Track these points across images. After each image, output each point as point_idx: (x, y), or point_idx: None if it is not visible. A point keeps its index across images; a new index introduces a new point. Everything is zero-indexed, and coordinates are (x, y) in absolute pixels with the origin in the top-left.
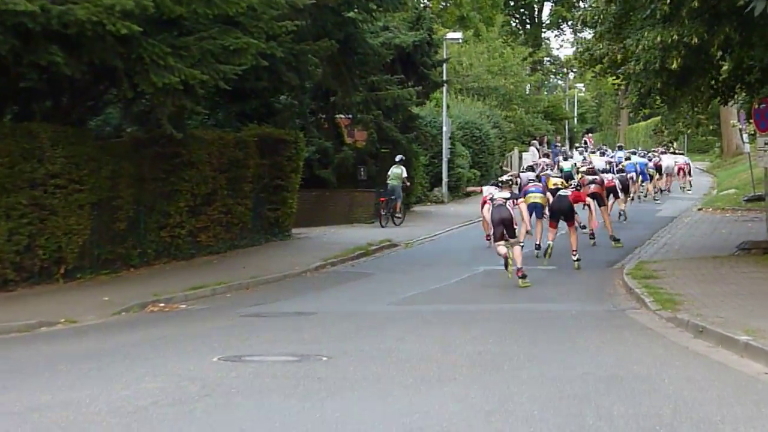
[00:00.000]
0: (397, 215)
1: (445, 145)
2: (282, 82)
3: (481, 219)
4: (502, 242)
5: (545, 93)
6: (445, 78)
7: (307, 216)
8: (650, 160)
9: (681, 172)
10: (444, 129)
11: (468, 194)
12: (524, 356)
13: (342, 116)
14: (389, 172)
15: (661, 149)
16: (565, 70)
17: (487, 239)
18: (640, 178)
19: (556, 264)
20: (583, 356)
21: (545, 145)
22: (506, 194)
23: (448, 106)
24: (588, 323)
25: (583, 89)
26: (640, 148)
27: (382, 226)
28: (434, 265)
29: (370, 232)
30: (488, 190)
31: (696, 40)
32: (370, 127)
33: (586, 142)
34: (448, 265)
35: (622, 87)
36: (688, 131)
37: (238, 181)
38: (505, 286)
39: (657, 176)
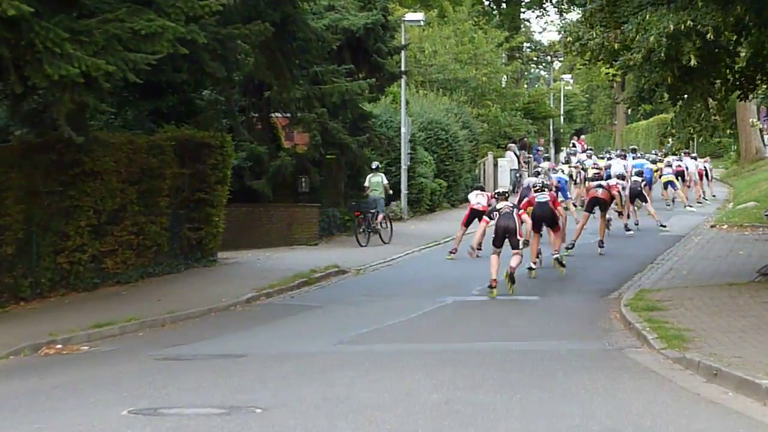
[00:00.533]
0: (381, 227)
1: (404, 149)
2: (205, 74)
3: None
4: (500, 250)
5: (525, 86)
6: (403, 68)
7: (237, 237)
8: (669, 165)
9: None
10: (403, 130)
11: (432, 209)
12: (502, 407)
13: (279, 115)
14: (367, 182)
15: (667, 156)
16: (549, 58)
17: (468, 254)
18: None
19: (539, 292)
20: (573, 406)
21: (525, 149)
22: (511, 203)
23: (407, 103)
24: (579, 365)
25: (571, 81)
26: (640, 152)
27: (362, 245)
28: (392, 295)
29: (313, 256)
30: (474, 198)
31: (711, 30)
32: (312, 129)
33: (575, 146)
34: (408, 295)
35: (618, 79)
36: (701, 138)
37: (152, 194)
38: (479, 320)
39: (682, 183)
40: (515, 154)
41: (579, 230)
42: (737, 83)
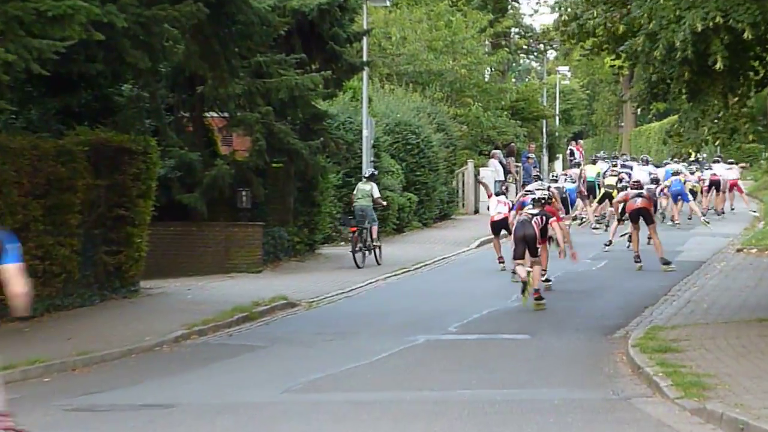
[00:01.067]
0: (375, 244)
1: (367, 157)
2: (125, 65)
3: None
4: (522, 261)
5: (513, 81)
6: (366, 58)
7: (164, 262)
8: (692, 173)
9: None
10: (365, 133)
11: (400, 230)
12: None
13: (214, 115)
14: (356, 190)
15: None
16: (541, 46)
17: (500, 261)
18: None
19: (530, 328)
20: None
21: (513, 156)
22: (536, 210)
23: (370, 100)
24: (578, 418)
25: (569, 75)
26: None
27: (359, 267)
28: (351, 333)
29: (257, 286)
30: (494, 208)
31: (748, 28)
32: (255, 131)
33: (573, 153)
34: (371, 333)
35: (626, 72)
36: (717, 142)
37: (61, 210)
38: (457, 364)
39: (712, 193)
40: (501, 162)
41: (636, 242)
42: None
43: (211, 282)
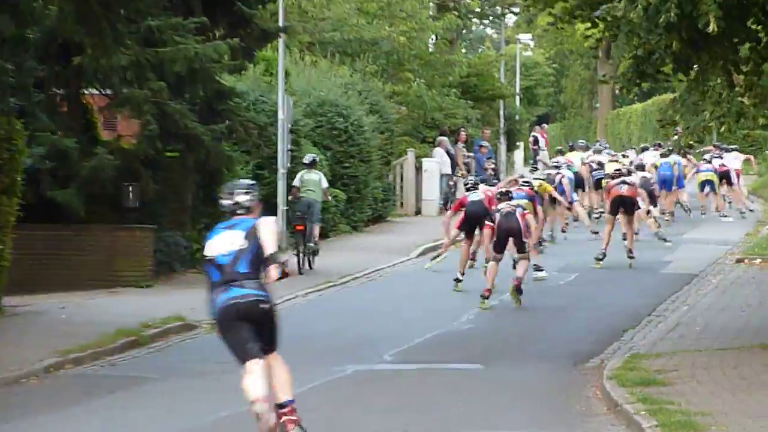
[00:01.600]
0: (314, 247)
1: (283, 144)
2: None
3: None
4: (500, 257)
5: (463, 51)
6: (282, 23)
7: (32, 274)
8: (708, 161)
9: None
10: (280, 116)
11: (324, 234)
12: None
13: (95, 92)
14: (298, 181)
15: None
16: (499, 9)
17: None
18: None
19: (483, 356)
20: None
21: (462, 145)
22: (513, 202)
23: (288, 75)
24: None
25: (532, 45)
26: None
27: (301, 273)
28: None
29: (147, 303)
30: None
31: None
32: (145, 112)
33: (537, 140)
34: (289, 362)
35: (602, 43)
36: (722, 129)
37: None
38: (393, 400)
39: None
40: (448, 152)
41: (607, 236)
42: None
43: (91, 298)
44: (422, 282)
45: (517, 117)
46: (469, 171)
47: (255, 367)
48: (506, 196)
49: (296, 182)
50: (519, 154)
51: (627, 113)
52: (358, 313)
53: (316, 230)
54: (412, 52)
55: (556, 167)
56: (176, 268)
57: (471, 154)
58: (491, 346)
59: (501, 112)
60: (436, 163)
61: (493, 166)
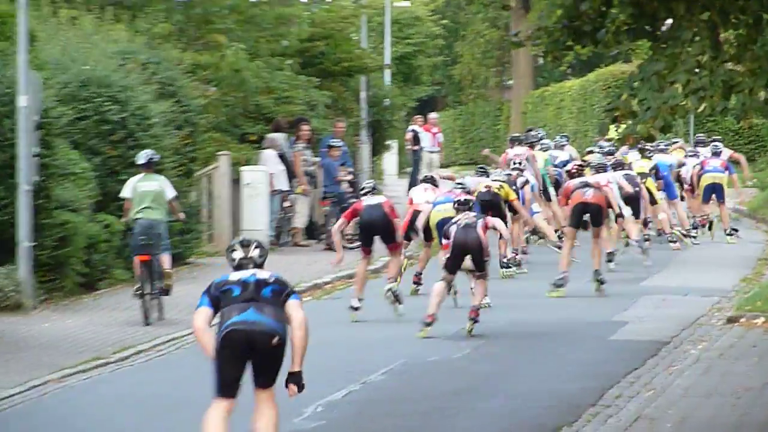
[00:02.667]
0: (166, 283)
1: (26, 146)
2: None
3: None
4: (452, 278)
5: (304, 1)
6: None
7: None
8: (694, 155)
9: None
10: (21, 102)
11: (90, 286)
12: None
13: None
14: (130, 191)
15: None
16: None
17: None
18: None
19: None
20: None
21: (303, 146)
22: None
23: (33, 39)
24: None
25: None
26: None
27: (148, 323)
28: None
29: None
30: (418, 196)
31: None
32: None
33: (416, 136)
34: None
35: None
36: (701, 108)
37: None
38: None
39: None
40: (282, 156)
41: (567, 255)
42: None
43: None
44: None
45: (387, 102)
46: (314, 184)
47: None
48: (465, 205)
49: (126, 193)
50: (391, 159)
51: (556, 94)
52: (146, 407)
53: (167, 260)
54: (226, 2)
55: (518, 169)
56: None
57: (317, 159)
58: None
59: (362, 95)
60: (262, 174)
61: (350, 177)
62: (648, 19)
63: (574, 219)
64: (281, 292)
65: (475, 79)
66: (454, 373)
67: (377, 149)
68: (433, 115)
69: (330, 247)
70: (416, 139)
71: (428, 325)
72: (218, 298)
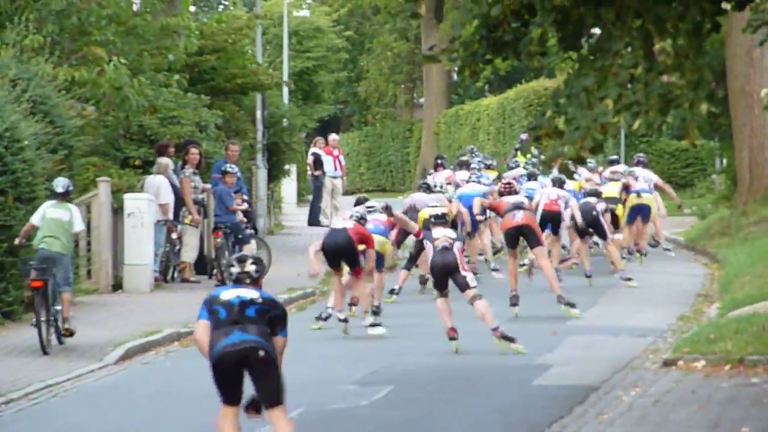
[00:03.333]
0: (65, 326)
1: None
2: None
3: None
4: (446, 293)
5: (192, 10)
6: None
7: None
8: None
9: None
10: None
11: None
12: None
13: None
14: (39, 219)
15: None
16: None
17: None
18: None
19: None
20: None
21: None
22: (450, 232)
23: None
24: None
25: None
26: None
27: (45, 353)
28: None
29: None
30: (420, 201)
31: None
32: None
33: (318, 160)
34: None
35: None
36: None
37: None
38: None
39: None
40: (172, 182)
41: (514, 272)
42: None
43: None
44: (130, 410)
45: (285, 122)
46: (204, 214)
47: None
48: (441, 218)
49: (35, 220)
50: (290, 186)
51: (472, 113)
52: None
53: (67, 299)
54: (105, 11)
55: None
56: None
57: (208, 185)
58: None
59: (258, 115)
60: (147, 201)
61: (245, 206)
62: (574, 27)
63: (510, 242)
64: (267, 312)
65: (382, 96)
66: (361, 423)
67: (275, 174)
68: (334, 137)
69: (223, 282)
70: (317, 164)
71: (453, 339)
72: (211, 312)
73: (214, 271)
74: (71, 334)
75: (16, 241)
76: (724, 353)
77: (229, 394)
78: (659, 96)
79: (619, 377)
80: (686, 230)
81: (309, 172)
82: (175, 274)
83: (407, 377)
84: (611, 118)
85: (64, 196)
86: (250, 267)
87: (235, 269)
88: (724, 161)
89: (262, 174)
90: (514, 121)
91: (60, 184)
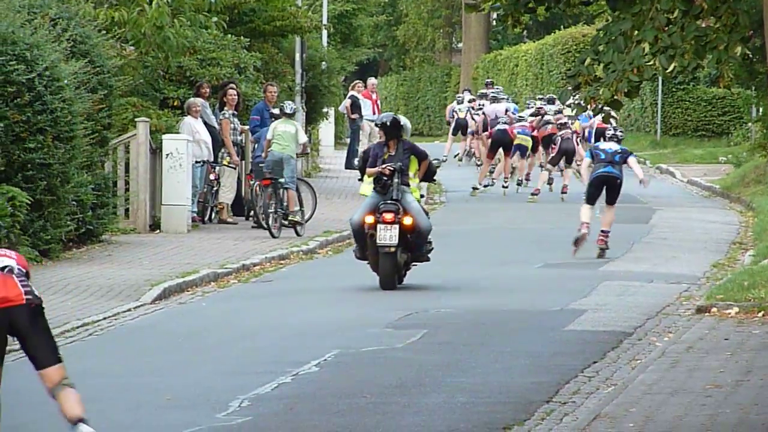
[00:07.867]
0: (294, 219)
1: None
2: None
3: None
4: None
5: None
6: None
7: None
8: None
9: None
10: None
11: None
12: None
13: None
14: (270, 134)
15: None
16: None
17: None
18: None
19: None
20: None
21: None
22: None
23: None
24: None
25: None
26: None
27: (274, 236)
28: None
29: None
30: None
31: None
32: None
33: (356, 103)
34: None
35: None
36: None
37: None
38: None
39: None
40: (207, 124)
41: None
42: None
43: None
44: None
45: (324, 66)
46: (242, 156)
47: None
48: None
49: (269, 134)
50: (328, 129)
51: (510, 58)
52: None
53: (292, 197)
54: None
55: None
56: None
57: (246, 126)
58: None
59: (297, 58)
60: (187, 142)
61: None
62: None
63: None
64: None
65: (421, 41)
66: (395, 365)
67: (313, 117)
68: (372, 81)
69: (259, 225)
70: (355, 107)
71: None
72: None
73: (251, 213)
74: (295, 225)
75: (263, 154)
76: (757, 300)
77: None
78: (695, 39)
79: (652, 323)
80: (721, 178)
81: (347, 116)
82: (213, 215)
83: (442, 321)
84: (647, 61)
85: (291, 116)
86: None
87: None
88: (761, 110)
89: (300, 117)
90: (552, 67)
91: (288, 106)
